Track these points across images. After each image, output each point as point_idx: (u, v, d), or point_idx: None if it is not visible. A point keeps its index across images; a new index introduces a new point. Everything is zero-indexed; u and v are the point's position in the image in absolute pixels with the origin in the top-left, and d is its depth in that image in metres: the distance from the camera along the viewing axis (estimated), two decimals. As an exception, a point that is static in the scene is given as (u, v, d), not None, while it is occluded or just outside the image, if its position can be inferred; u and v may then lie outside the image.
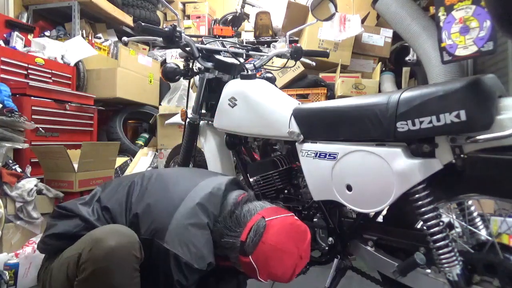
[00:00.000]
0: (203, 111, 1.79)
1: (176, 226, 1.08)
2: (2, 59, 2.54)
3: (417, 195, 1.04)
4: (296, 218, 1.16)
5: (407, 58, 3.39)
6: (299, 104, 1.42)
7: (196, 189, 1.17)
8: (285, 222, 1.11)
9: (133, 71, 3.61)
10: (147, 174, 1.27)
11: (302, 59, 1.86)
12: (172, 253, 1.04)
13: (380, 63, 3.38)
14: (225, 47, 1.76)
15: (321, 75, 3.32)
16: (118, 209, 1.16)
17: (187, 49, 1.62)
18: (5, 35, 2.99)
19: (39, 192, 2.16)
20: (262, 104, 1.46)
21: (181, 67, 1.74)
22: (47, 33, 3.47)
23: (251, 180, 1.63)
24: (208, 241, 1.11)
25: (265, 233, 1.07)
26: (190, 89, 1.92)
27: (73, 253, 1.06)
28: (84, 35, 3.54)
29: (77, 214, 1.16)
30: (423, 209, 1.04)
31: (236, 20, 4.70)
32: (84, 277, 1.01)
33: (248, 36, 4.47)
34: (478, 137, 0.90)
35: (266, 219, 1.09)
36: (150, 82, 3.86)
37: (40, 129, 2.57)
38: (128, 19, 4.09)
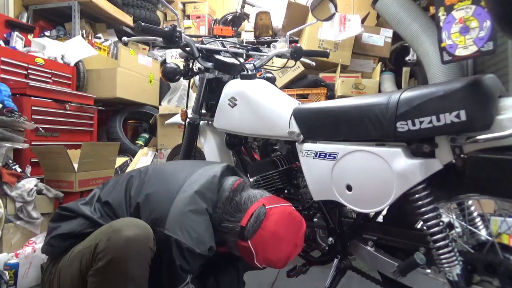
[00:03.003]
0: (203, 111, 1.79)
1: (176, 213, 1.11)
2: (2, 59, 2.54)
3: (417, 195, 1.04)
4: (293, 208, 1.21)
5: (407, 58, 3.39)
6: (299, 104, 1.42)
7: (192, 177, 1.21)
8: (284, 211, 1.16)
9: (133, 71, 3.60)
10: (143, 169, 1.30)
11: (302, 59, 1.86)
12: (173, 239, 1.07)
13: (380, 63, 3.39)
14: (225, 47, 1.76)
15: (321, 75, 3.32)
16: (118, 203, 1.19)
17: (187, 49, 1.62)
18: (5, 35, 2.99)
19: (39, 192, 2.16)
20: (262, 104, 1.46)
21: (181, 67, 1.74)
22: (47, 33, 3.47)
23: (251, 180, 1.63)
24: (208, 226, 1.14)
25: (265, 220, 1.12)
26: (190, 89, 1.92)
27: (87, 245, 1.08)
28: (84, 35, 3.54)
29: (80, 214, 1.18)
30: (423, 209, 1.04)
31: (236, 20, 4.70)
32: (99, 266, 1.02)
33: (248, 36, 4.47)
34: (478, 137, 0.90)
35: (266, 207, 1.14)
36: (150, 82, 3.86)
37: (40, 129, 2.57)
38: (128, 19, 4.09)
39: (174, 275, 1.09)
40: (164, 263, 1.09)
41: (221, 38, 2.31)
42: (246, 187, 1.24)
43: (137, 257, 1.03)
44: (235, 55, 1.71)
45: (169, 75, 1.73)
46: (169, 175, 1.24)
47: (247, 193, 1.20)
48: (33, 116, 2.54)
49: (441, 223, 1.03)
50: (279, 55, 1.82)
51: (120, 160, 3.14)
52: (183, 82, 3.57)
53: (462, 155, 0.96)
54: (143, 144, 3.72)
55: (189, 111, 1.83)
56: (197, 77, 1.83)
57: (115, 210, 1.18)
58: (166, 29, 1.48)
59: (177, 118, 2.02)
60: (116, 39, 4.08)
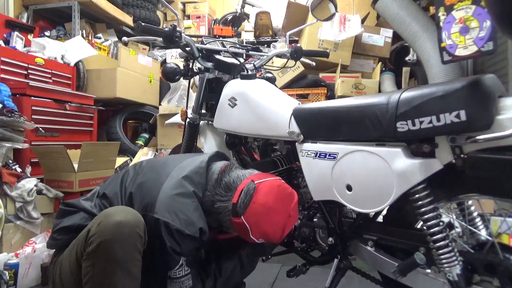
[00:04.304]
0: (203, 111, 1.79)
1: (164, 197, 1.14)
2: (2, 59, 2.54)
3: (417, 195, 1.04)
4: (283, 181, 1.22)
5: (407, 58, 3.39)
6: (299, 104, 1.42)
7: (181, 165, 1.25)
8: (274, 184, 1.18)
9: (133, 71, 3.60)
10: (138, 163, 1.36)
11: (302, 59, 1.86)
12: (162, 221, 1.10)
13: (380, 63, 3.39)
14: (225, 47, 1.75)
15: (321, 75, 3.32)
16: (114, 194, 1.23)
17: (187, 49, 1.62)
18: (5, 35, 2.99)
19: (39, 192, 2.16)
20: (262, 104, 1.46)
21: (181, 67, 1.74)
22: (47, 33, 3.47)
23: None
24: (196, 208, 1.16)
25: (255, 194, 1.14)
26: (190, 89, 1.92)
27: (82, 233, 1.12)
28: (84, 35, 3.54)
29: (81, 208, 1.23)
30: (423, 209, 1.04)
31: (236, 20, 4.71)
32: (90, 250, 1.05)
33: (248, 36, 4.47)
34: (478, 137, 0.90)
35: (255, 182, 1.16)
36: (150, 82, 3.86)
37: (40, 129, 2.57)
38: (128, 19, 4.09)
39: (167, 258, 1.10)
40: (156, 246, 1.10)
41: (221, 38, 2.32)
42: (234, 168, 1.26)
43: (124, 240, 1.04)
44: (235, 55, 1.71)
45: (169, 75, 1.73)
46: (160, 166, 1.29)
47: (236, 172, 1.23)
48: (33, 116, 2.54)
49: (441, 223, 1.02)
50: (279, 55, 1.82)
51: (120, 160, 3.14)
52: (183, 82, 3.57)
53: (462, 155, 0.96)
54: (143, 144, 3.72)
55: (189, 111, 1.83)
56: (197, 77, 1.83)
57: (111, 200, 1.22)
58: (166, 29, 1.48)
59: (177, 118, 2.02)
60: (116, 39, 4.08)
